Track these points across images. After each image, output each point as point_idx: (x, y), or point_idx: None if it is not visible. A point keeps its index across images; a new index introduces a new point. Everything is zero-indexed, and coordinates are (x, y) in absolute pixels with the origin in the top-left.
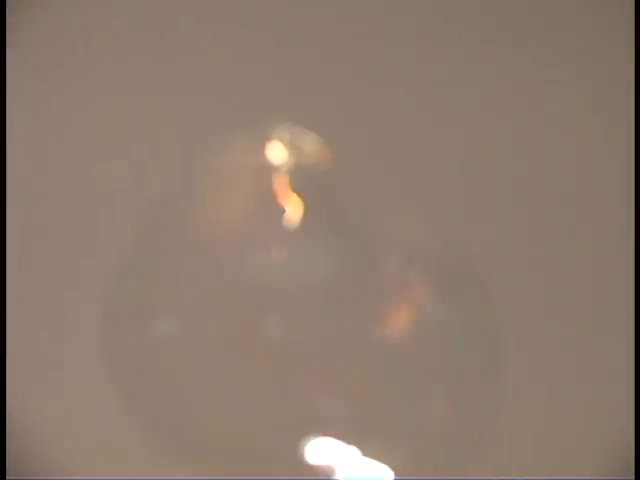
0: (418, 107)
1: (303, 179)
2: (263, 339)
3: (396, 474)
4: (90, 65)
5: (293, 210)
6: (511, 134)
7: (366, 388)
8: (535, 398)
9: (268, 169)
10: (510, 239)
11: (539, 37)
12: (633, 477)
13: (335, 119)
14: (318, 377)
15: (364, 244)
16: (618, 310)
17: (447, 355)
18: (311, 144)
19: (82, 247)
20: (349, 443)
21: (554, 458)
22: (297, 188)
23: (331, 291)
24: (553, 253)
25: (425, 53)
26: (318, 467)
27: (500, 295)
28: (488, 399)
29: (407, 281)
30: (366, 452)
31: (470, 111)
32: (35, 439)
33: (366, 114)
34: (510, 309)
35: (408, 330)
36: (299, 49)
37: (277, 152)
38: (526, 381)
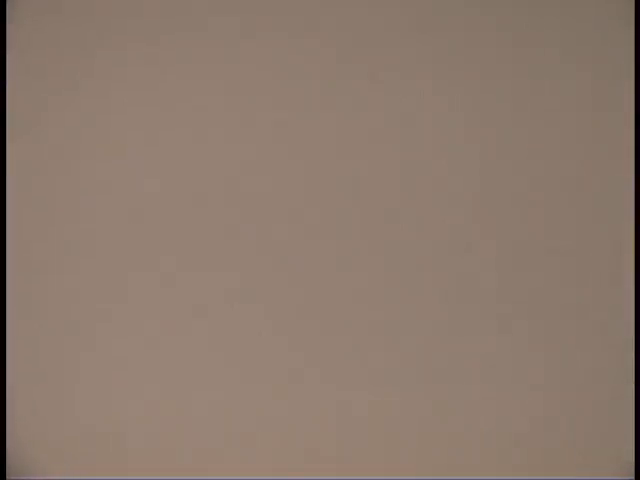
0: (418, 109)
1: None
2: None
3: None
4: (89, 65)
5: None
6: (512, 135)
7: None
8: (535, 397)
9: None
10: (511, 242)
11: (540, 39)
12: (633, 477)
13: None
14: None
15: None
16: (618, 312)
17: (448, 357)
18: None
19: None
20: None
21: (554, 458)
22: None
23: None
24: (553, 257)
25: (426, 54)
26: None
27: (499, 296)
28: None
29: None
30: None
31: (469, 114)
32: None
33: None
34: (509, 310)
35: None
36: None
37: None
38: (526, 382)
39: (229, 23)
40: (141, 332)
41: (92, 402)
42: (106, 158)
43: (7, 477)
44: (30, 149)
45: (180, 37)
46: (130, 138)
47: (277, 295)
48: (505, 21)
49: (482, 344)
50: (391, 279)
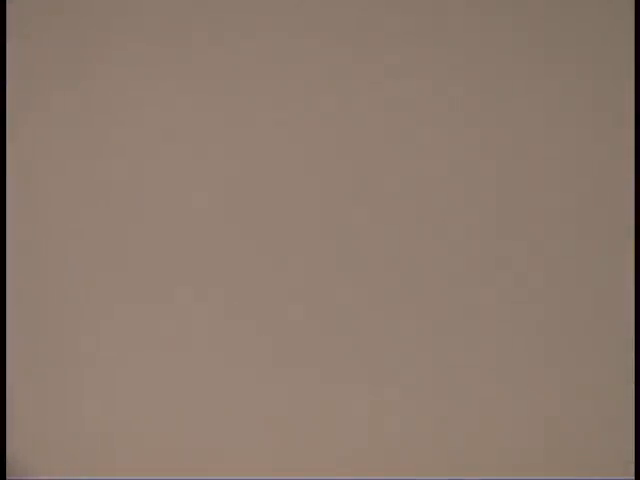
0: (419, 109)
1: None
2: None
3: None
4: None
5: None
6: (513, 136)
7: None
8: (536, 398)
9: None
10: (511, 242)
11: (542, 41)
12: (633, 477)
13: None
14: None
15: None
16: (618, 312)
17: (454, 358)
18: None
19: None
20: None
21: (554, 458)
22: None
23: None
24: (554, 257)
25: (426, 54)
26: None
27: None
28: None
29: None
30: None
31: (470, 117)
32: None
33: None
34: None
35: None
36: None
37: None
38: (527, 383)
39: (229, 23)
40: (141, 332)
41: (92, 402)
42: (106, 158)
43: (7, 477)
44: (30, 149)
45: (180, 37)
46: (130, 138)
47: (277, 295)
48: (505, 21)
49: (483, 345)
50: (391, 279)
